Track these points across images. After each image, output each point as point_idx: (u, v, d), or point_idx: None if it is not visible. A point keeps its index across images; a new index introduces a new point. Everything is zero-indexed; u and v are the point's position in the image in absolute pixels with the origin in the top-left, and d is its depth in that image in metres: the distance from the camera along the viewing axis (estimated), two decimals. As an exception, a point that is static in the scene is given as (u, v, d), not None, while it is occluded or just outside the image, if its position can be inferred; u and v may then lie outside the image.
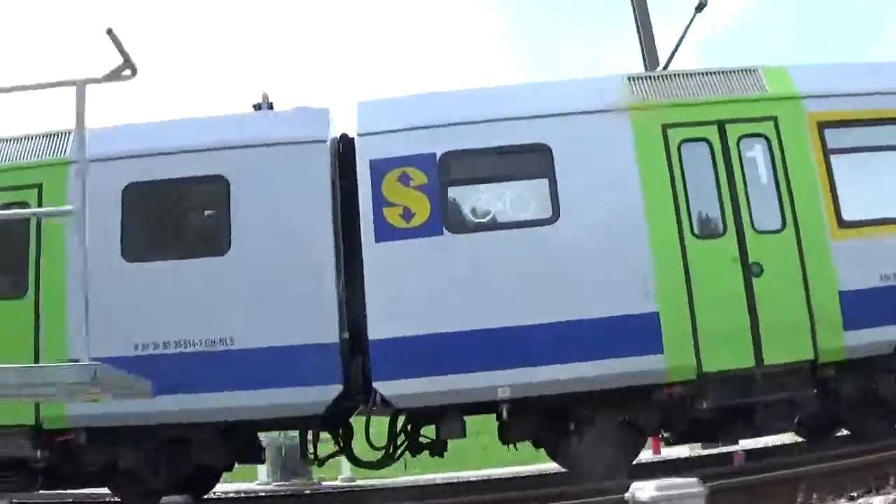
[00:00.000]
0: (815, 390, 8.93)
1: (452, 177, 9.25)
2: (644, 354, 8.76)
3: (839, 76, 9.71)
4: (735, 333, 8.81)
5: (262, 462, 9.94)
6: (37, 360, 8.91)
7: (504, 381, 8.76)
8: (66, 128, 9.68)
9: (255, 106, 9.95)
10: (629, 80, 9.62)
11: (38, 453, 8.97)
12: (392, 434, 9.62)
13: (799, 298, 8.89)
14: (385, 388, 8.85)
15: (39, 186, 9.36)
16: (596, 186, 9.12)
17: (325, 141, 9.40)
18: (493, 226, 9.18)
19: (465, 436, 9.28)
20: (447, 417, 9.18)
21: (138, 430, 9.00)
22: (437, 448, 9.54)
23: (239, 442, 9.56)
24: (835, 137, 9.29)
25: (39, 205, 9.28)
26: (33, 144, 9.67)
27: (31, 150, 9.62)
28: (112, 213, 9.20)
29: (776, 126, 9.28)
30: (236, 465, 10.26)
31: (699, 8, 14.80)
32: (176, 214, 9.77)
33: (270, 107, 9.98)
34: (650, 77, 9.70)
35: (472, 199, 9.30)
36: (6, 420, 8.91)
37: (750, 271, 8.94)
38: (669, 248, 8.97)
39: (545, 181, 9.18)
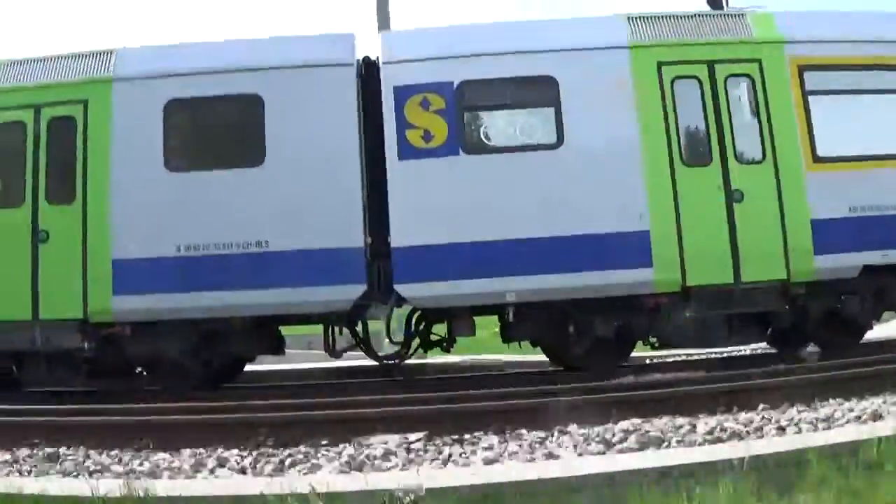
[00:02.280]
0: (787, 306, 10.45)
1: (468, 103, 10.52)
2: (635, 268, 10.20)
3: (821, 23, 11.01)
4: (716, 253, 10.26)
5: (283, 354, 11.25)
6: (84, 260, 10.22)
7: (511, 287, 10.19)
8: (109, 47, 10.85)
9: None
10: (629, 20, 10.89)
11: (85, 345, 10.27)
12: (408, 330, 11.09)
13: (775, 224, 10.31)
14: (405, 290, 10.24)
15: (85, 102, 10.51)
16: (597, 116, 10.47)
17: (351, 64, 10.60)
18: (504, 148, 10.53)
19: (474, 334, 10.76)
20: (459, 317, 10.65)
21: (177, 324, 10.32)
22: (447, 344, 11.01)
23: (264, 336, 10.90)
24: (813, 80, 10.61)
25: (85, 120, 10.47)
26: (78, 63, 10.78)
27: (76, 67, 10.72)
28: (155, 127, 10.41)
29: (760, 68, 10.57)
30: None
31: None
32: (214, 129, 10.95)
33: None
34: (648, 17, 10.93)
35: (486, 123, 10.62)
36: (57, 314, 10.25)
37: (732, 198, 10.36)
38: (661, 174, 10.34)
39: (551, 110, 10.51)
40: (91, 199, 10.34)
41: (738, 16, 11.03)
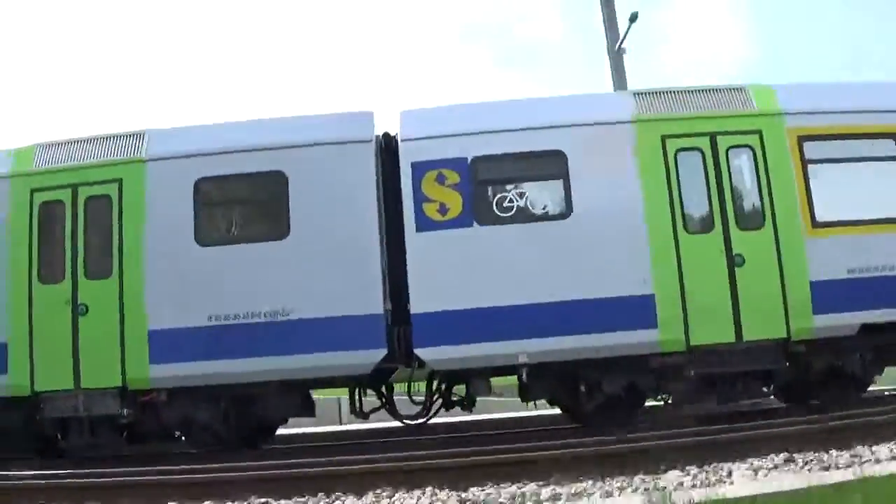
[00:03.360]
0: (787, 363, 11.14)
1: (481, 177, 11.34)
2: (641, 329, 10.95)
3: (819, 95, 11.82)
4: (718, 313, 10.99)
5: (314, 416, 12.01)
6: (122, 328, 11.06)
7: (523, 349, 10.95)
8: (141, 129, 11.73)
9: None
10: (635, 95, 11.73)
11: (124, 411, 11.11)
12: (429, 391, 11.89)
13: (775, 286, 11.05)
14: (424, 353, 11.04)
15: (120, 181, 11.41)
16: (603, 187, 11.25)
17: (370, 141, 11.45)
18: (515, 219, 11.26)
19: (490, 393, 11.49)
20: (476, 378, 11.45)
21: (211, 389, 11.13)
22: (467, 404, 11.77)
23: (294, 399, 11.67)
24: (812, 149, 11.39)
25: (120, 197, 11.35)
26: (112, 144, 11.69)
27: (110, 148, 11.64)
28: (186, 203, 11.27)
29: (761, 139, 11.36)
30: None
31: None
32: (241, 205, 11.87)
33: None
34: (654, 93, 11.73)
35: (498, 196, 11.33)
36: (96, 384, 11.10)
37: (733, 262, 11.10)
38: (664, 240, 11.11)
39: (560, 182, 11.29)
40: (126, 272, 11.20)
41: (740, 90, 11.80)
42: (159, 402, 11.17)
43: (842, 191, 11.48)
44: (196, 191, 11.34)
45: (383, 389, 12.15)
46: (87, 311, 11.16)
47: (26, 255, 11.36)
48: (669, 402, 12.25)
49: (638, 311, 10.99)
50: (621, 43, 18.36)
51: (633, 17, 17.75)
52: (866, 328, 11.16)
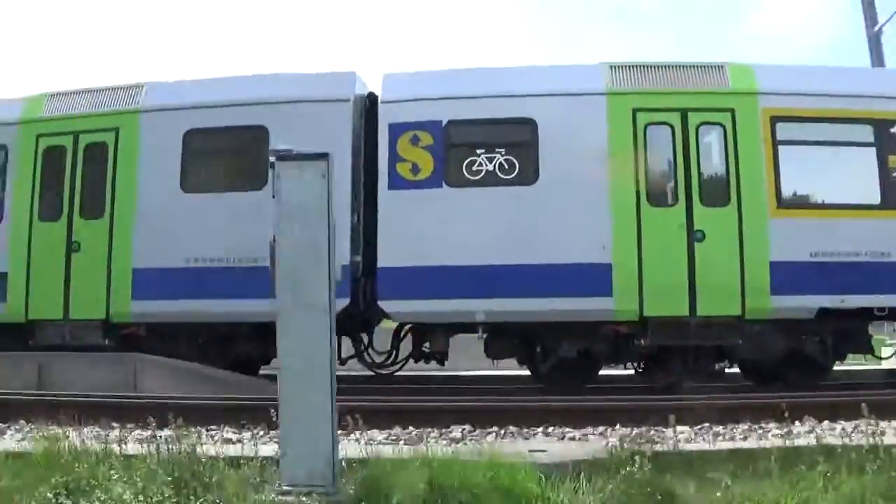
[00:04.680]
0: (741, 341, 11.43)
1: (454, 141, 11.94)
2: (597, 296, 11.41)
3: (797, 76, 12.04)
4: (674, 287, 11.37)
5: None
6: (109, 268, 12.07)
7: (481, 308, 11.56)
8: (138, 81, 12.72)
9: None
10: (611, 68, 12.11)
11: (106, 342, 12.14)
12: (394, 342, 12.62)
13: (733, 263, 11.35)
14: (387, 305, 11.78)
15: (117, 130, 12.41)
16: (571, 157, 11.69)
17: (348, 100, 12.12)
18: (483, 183, 11.81)
19: (448, 348, 12.20)
20: (435, 333, 12.13)
21: (188, 327, 12.08)
22: (440, 357, 12.42)
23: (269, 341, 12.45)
24: (785, 130, 11.62)
25: (116, 146, 12.37)
26: (111, 95, 12.72)
27: (112, 99, 12.66)
28: (175, 153, 12.20)
29: (733, 117, 11.62)
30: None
31: None
32: (225, 156, 12.75)
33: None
34: (629, 66, 12.11)
35: (469, 159, 11.87)
36: (83, 315, 12.16)
37: (693, 237, 11.43)
38: (626, 212, 11.52)
39: (529, 149, 11.80)
40: (117, 214, 12.23)
41: (717, 67, 12.09)
42: (138, 335, 12.16)
43: (812, 174, 11.73)
44: (185, 141, 12.25)
45: (364, 339, 12.86)
46: (79, 248, 12.22)
47: (29, 194, 12.49)
48: (640, 370, 12.65)
49: (595, 279, 11.46)
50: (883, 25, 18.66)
51: None
52: (825, 313, 11.38)
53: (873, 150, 11.61)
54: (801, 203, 11.65)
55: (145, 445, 6.84)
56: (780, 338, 11.63)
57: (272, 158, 6.34)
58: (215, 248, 11.96)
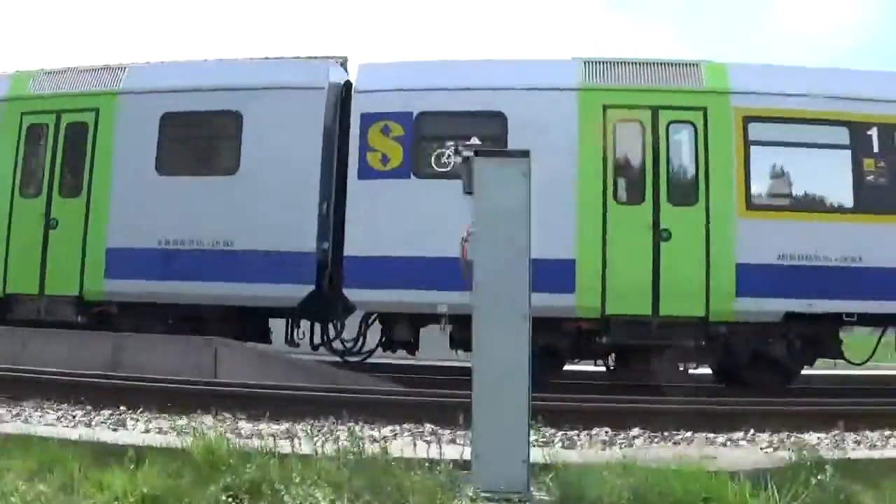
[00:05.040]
0: (704, 343, 11.33)
1: (423, 132, 12.03)
2: (559, 293, 11.31)
3: (772, 76, 11.86)
4: (637, 286, 11.32)
5: (270, 343, 13.07)
6: (84, 246, 12.37)
7: (444, 300, 11.49)
8: (118, 63, 12.99)
9: None
10: (584, 63, 12.08)
11: (78, 318, 12.45)
12: (360, 330, 12.72)
13: (698, 264, 11.26)
14: (351, 294, 11.91)
15: (97, 111, 12.70)
16: (539, 152, 11.61)
17: (322, 88, 12.28)
18: (450, 175, 11.81)
19: (412, 339, 12.31)
20: (399, 323, 12.23)
21: (159, 307, 12.32)
22: (411, 347, 12.54)
23: (249, 324, 12.71)
24: (757, 130, 11.52)
25: (95, 126, 12.65)
26: (91, 76, 13.02)
27: (93, 80, 12.96)
28: (151, 135, 12.46)
29: (704, 116, 11.53)
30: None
31: None
32: (199, 140, 13.00)
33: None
34: (602, 62, 12.07)
35: (437, 151, 11.98)
36: (57, 291, 12.48)
37: (659, 236, 11.37)
38: (592, 209, 11.50)
39: (498, 143, 11.78)
40: (94, 193, 12.52)
41: (692, 65, 12.02)
42: (110, 313, 12.46)
43: (783, 175, 11.64)
44: (161, 124, 12.49)
45: (334, 328, 13.02)
46: (56, 225, 12.54)
47: (10, 171, 12.83)
48: (611, 368, 12.63)
49: (557, 274, 11.35)
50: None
51: None
52: (792, 316, 11.28)
53: (848, 152, 11.46)
54: (770, 205, 11.52)
55: (319, 443, 6.51)
56: (745, 341, 11.52)
57: (467, 153, 6.27)
58: (187, 230, 12.20)
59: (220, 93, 12.43)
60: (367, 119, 12.08)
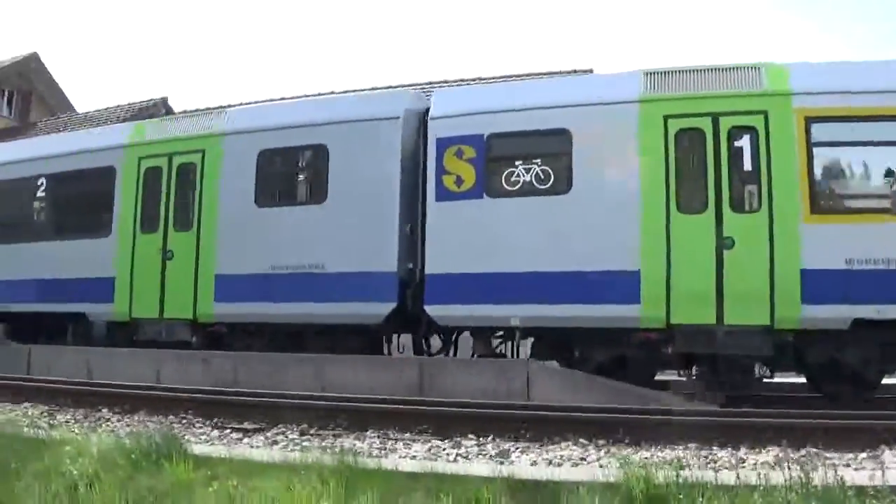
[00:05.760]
0: (772, 353, 11.37)
1: (493, 153, 12.72)
2: (625, 304, 11.77)
3: (833, 74, 11.66)
4: (701, 294, 11.48)
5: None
6: (196, 275, 13.83)
7: (516, 314, 12.24)
8: (220, 106, 14.44)
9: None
10: (645, 75, 12.38)
11: (193, 338, 13.96)
12: (447, 343, 13.67)
13: (763, 271, 11.25)
14: (431, 310, 12.77)
15: (203, 151, 14.21)
16: (603, 165, 12.16)
17: (398, 118, 13.21)
18: (521, 193, 12.48)
19: (491, 351, 13.02)
20: (478, 336, 13.03)
21: (265, 326, 13.67)
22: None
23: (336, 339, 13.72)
24: (820, 131, 11.38)
25: (202, 166, 14.14)
26: (198, 120, 14.55)
27: (196, 124, 14.53)
28: (249, 171, 13.81)
29: (766, 119, 11.51)
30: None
31: None
32: (291, 173, 14.28)
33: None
34: (663, 72, 12.29)
35: (507, 171, 12.59)
36: (174, 315, 14.04)
37: (722, 244, 11.48)
38: (656, 219, 11.74)
39: (564, 159, 12.34)
40: (203, 226, 14.04)
41: (754, 68, 12.02)
42: (220, 333, 13.92)
43: (849, 177, 11.56)
44: (258, 160, 13.83)
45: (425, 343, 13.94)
46: (172, 256, 14.09)
47: (132, 210, 14.54)
48: (694, 377, 12.86)
49: (623, 286, 11.78)
50: None
51: None
52: (861, 323, 11.01)
53: None
54: (836, 208, 11.41)
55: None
56: (815, 350, 11.44)
57: None
58: (283, 256, 13.43)
59: (307, 129, 13.63)
60: (442, 143, 12.91)
